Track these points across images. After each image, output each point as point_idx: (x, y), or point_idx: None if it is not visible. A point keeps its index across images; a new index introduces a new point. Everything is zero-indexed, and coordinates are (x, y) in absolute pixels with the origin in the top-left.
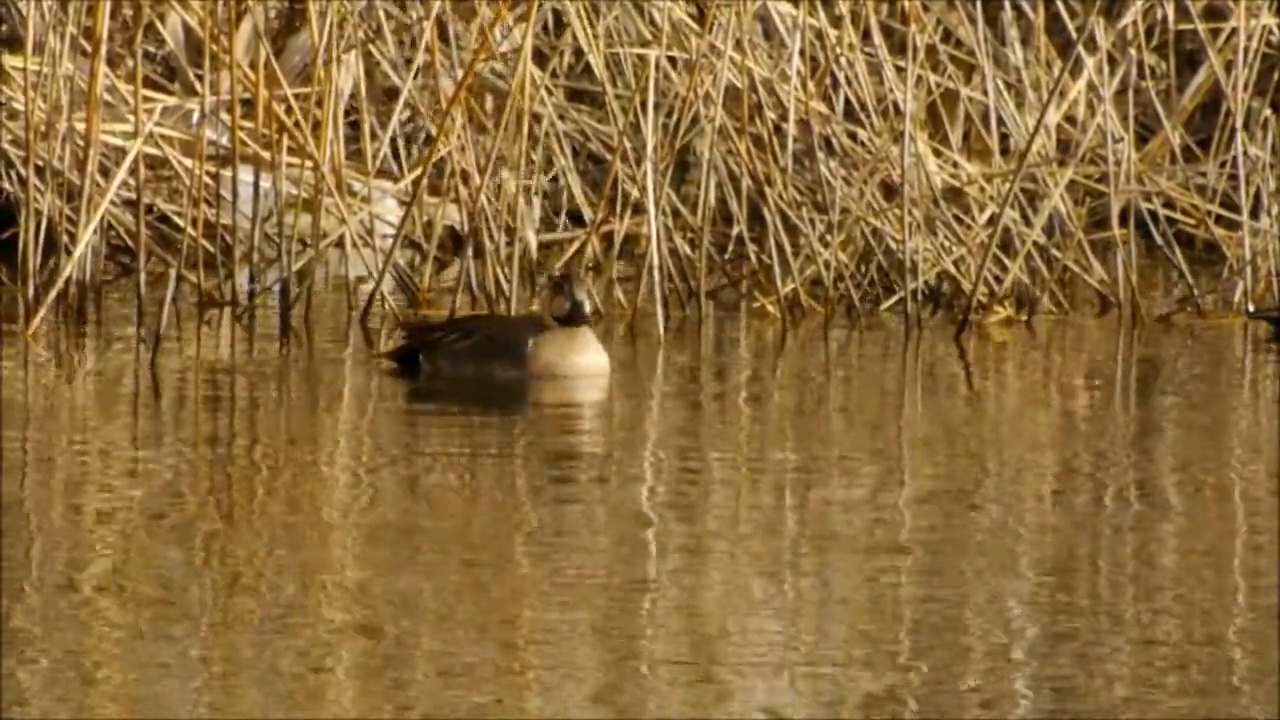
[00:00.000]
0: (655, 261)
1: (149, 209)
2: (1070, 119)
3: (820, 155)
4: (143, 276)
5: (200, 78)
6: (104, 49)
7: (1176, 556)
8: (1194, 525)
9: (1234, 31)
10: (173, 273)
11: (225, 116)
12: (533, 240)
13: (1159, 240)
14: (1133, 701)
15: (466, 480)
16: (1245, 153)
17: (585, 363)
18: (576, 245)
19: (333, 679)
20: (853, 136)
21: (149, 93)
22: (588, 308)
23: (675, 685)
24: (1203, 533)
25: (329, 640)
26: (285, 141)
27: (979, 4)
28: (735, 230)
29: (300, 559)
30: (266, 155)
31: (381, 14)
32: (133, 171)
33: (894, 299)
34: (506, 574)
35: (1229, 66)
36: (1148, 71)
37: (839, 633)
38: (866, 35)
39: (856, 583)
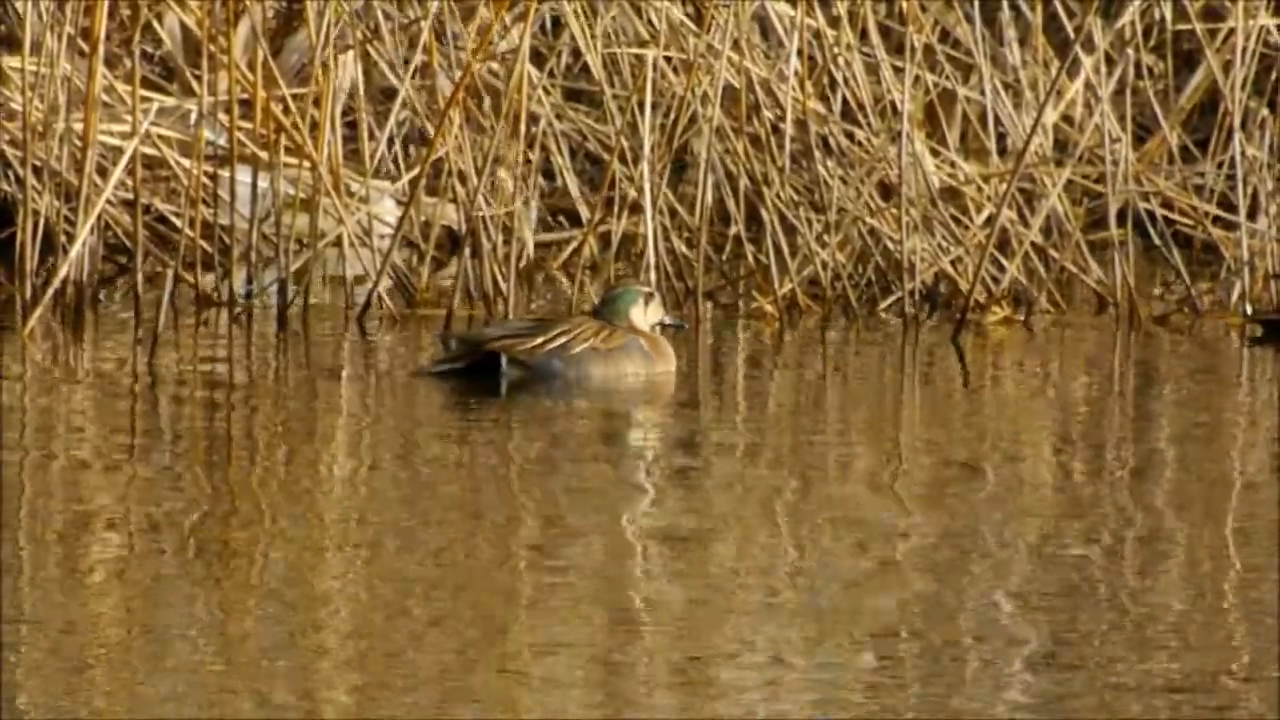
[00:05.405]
0: (653, 261)
1: (146, 209)
2: (1068, 119)
3: (818, 155)
4: (140, 276)
5: (198, 78)
6: (101, 49)
7: (1177, 573)
8: (1193, 533)
9: (1232, 31)
10: (170, 273)
11: (223, 116)
12: (530, 240)
13: (1156, 240)
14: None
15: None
16: (1243, 153)
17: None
18: (574, 245)
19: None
20: (850, 136)
21: (146, 93)
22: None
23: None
24: (1202, 546)
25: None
26: (283, 141)
27: (976, 4)
28: (733, 230)
29: (300, 553)
30: (264, 155)
31: (379, 14)
32: (130, 171)
33: (891, 299)
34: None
35: (1227, 66)
36: (1145, 71)
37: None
38: (864, 35)
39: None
